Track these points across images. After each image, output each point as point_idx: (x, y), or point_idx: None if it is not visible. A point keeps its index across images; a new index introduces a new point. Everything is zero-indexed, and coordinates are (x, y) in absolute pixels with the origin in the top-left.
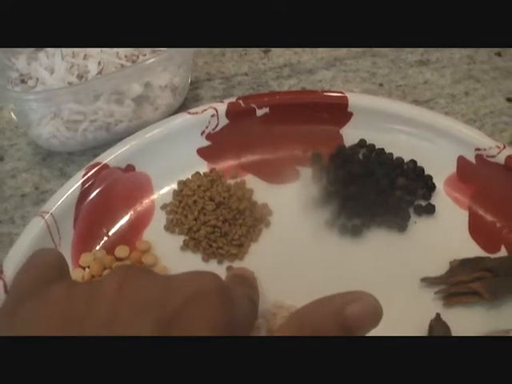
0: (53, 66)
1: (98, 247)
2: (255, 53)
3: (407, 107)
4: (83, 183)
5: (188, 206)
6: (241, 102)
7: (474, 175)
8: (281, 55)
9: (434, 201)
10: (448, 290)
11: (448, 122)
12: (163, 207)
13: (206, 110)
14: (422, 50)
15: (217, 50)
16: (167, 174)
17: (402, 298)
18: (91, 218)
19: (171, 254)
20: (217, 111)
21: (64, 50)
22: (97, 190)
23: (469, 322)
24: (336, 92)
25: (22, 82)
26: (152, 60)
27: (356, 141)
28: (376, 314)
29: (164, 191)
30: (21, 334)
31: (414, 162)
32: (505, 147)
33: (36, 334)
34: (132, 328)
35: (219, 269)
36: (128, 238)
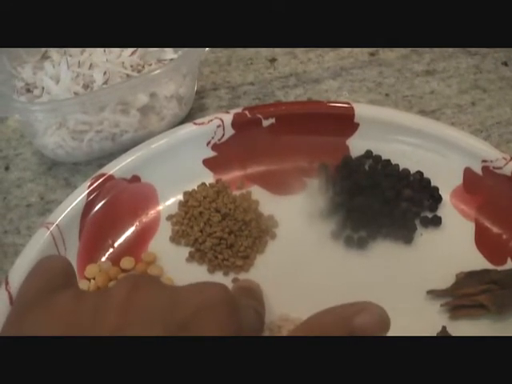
0: (58, 75)
1: (103, 258)
2: (261, 62)
3: (414, 118)
4: (88, 194)
5: (194, 217)
6: (247, 112)
7: (481, 187)
8: (287, 64)
9: (440, 212)
10: (454, 302)
11: (454, 133)
12: (169, 218)
13: (211, 120)
14: (428, 59)
15: (223, 60)
16: (173, 185)
17: (408, 310)
18: (96, 229)
19: (177, 265)
20: (223, 122)
21: (70, 59)
22: (102, 202)
23: (475, 335)
24: (342, 103)
25: (28, 91)
26: (158, 71)
27: (362, 152)
28: (384, 325)
29: (170, 202)
30: None
31: (420, 173)
32: (511, 159)
33: None
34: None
35: (225, 280)
36: (133, 250)
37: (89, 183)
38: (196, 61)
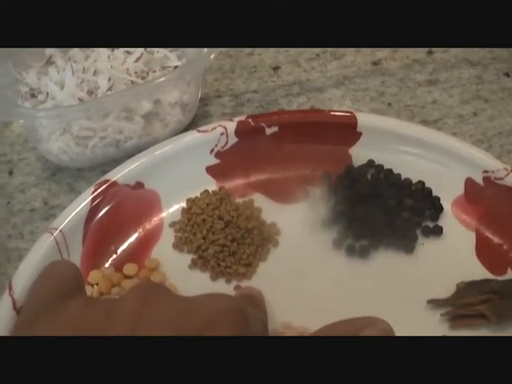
0: (63, 80)
1: (106, 264)
2: (264, 70)
3: (416, 128)
4: (92, 200)
5: (197, 224)
6: (250, 120)
7: (482, 197)
8: (290, 73)
9: (441, 222)
10: (454, 312)
11: (456, 144)
12: (172, 225)
13: (215, 128)
14: (430, 69)
15: (226, 67)
16: (176, 192)
17: (409, 319)
18: (100, 235)
19: (179, 272)
20: (226, 129)
21: (74, 65)
22: (106, 208)
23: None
24: (345, 112)
25: (32, 96)
26: (162, 78)
27: (365, 161)
28: None
29: (173, 209)
30: None
31: (422, 183)
32: None
33: None
34: None
35: (227, 288)
36: (137, 256)
37: (93, 189)
38: (200, 68)
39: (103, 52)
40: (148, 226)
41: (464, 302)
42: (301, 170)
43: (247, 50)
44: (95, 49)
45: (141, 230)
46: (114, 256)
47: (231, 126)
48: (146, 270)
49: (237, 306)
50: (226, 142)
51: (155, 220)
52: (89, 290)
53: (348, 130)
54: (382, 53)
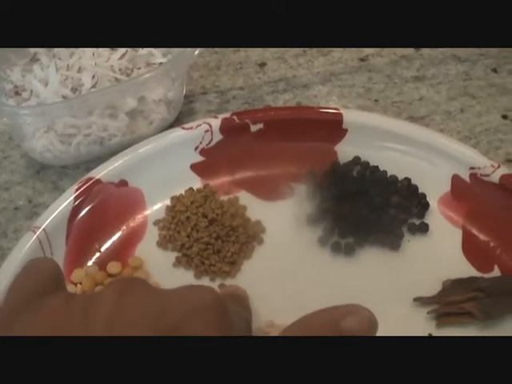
0: (47, 78)
1: (90, 263)
2: (250, 67)
3: (402, 125)
4: (75, 198)
5: (181, 222)
6: (235, 117)
7: (468, 194)
8: (276, 69)
9: (427, 219)
10: (441, 309)
11: (443, 140)
12: (156, 223)
13: (200, 125)
14: (418, 65)
15: (212, 64)
16: (160, 190)
17: (395, 317)
18: (83, 233)
19: (163, 270)
20: (211, 126)
21: (58, 62)
22: (89, 206)
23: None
24: (331, 108)
25: (16, 93)
26: (147, 75)
27: (350, 158)
28: (371, 328)
29: (157, 207)
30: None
31: (408, 179)
32: (499, 166)
33: None
34: None
35: (211, 286)
36: (120, 254)
37: (76, 187)
38: (185, 65)
39: (88, 49)
40: (132, 223)
41: (450, 299)
42: (286, 168)
43: None
44: None
45: (124, 227)
46: (98, 254)
47: (216, 123)
48: (130, 268)
49: (217, 298)
50: (211, 139)
51: (139, 218)
52: (72, 289)
53: (334, 127)
54: (369, 49)
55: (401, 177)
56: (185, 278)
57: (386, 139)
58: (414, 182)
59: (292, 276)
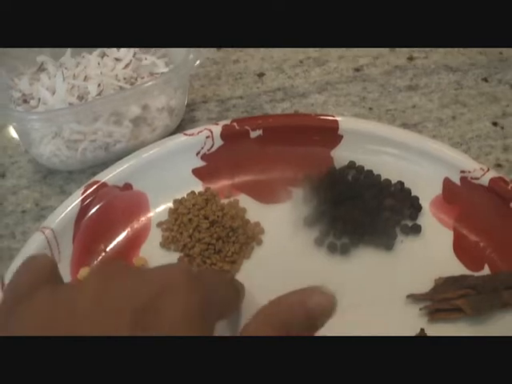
0: (54, 86)
1: (96, 262)
2: (249, 77)
3: (395, 130)
4: (82, 200)
5: (183, 223)
6: (235, 124)
7: (459, 196)
8: (275, 79)
9: (420, 221)
10: (433, 306)
11: (435, 145)
12: (159, 225)
13: (201, 131)
14: (411, 75)
15: (213, 74)
16: (163, 193)
17: (388, 313)
18: (90, 234)
19: None
20: (212, 133)
21: (65, 71)
22: (95, 207)
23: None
24: (327, 115)
25: (25, 101)
26: (150, 83)
27: (346, 163)
28: (334, 304)
29: (160, 209)
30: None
31: (401, 183)
32: (488, 170)
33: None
34: (111, 318)
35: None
36: (125, 254)
37: (82, 190)
38: (186, 74)
39: (93, 59)
40: (136, 225)
41: (442, 296)
42: (284, 172)
43: (233, 57)
44: (85, 56)
45: (129, 229)
46: (103, 254)
47: (217, 129)
48: None
49: (186, 276)
50: (212, 145)
51: (143, 220)
52: None
53: (330, 133)
54: (363, 59)
55: (394, 180)
56: None
57: (380, 145)
58: (407, 185)
59: (289, 275)
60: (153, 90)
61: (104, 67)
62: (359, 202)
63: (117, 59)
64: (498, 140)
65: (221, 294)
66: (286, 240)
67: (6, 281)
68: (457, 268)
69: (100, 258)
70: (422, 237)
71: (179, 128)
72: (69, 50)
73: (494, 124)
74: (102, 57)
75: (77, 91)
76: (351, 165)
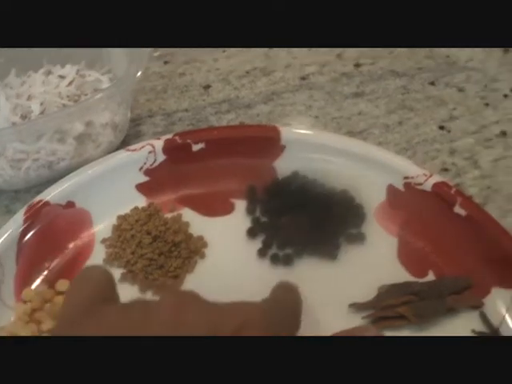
0: None
1: (39, 281)
2: (196, 89)
3: (339, 138)
4: (24, 221)
5: (126, 240)
6: (177, 138)
7: (403, 202)
8: (221, 91)
9: (364, 229)
10: (376, 314)
11: (378, 152)
12: (103, 241)
13: (143, 146)
14: (357, 81)
15: (159, 87)
16: (107, 210)
17: (332, 323)
18: (33, 253)
19: None
20: (154, 147)
21: (8, 91)
22: (38, 227)
23: None
24: (269, 126)
25: None
26: (93, 99)
27: (289, 172)
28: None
29: (104, 226)
30: None
31: (345, 191)
32: (432, 175)
33: None
34: None
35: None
36: (68, 272)
37: (25, 209)
38: (129, 88)
39: (38, 77)
40: (79, 242)
41: (385, 304)
42: (227, 184)
43: (180, 70)
44: (31, 74)
45: (72, 246)
46: (47, 273)
47: (159, 144)
48: None
49: (262, 313)
50: (155, 160)
51: (86, 237)
52: (22, 307)
53: (272, 144)
54: (310, 68)
55: (339, 189)
56: (130, 292)
57: (324, 153)
58: (351, 193)
59: (233, 288)
60: (96, 105)
61: (48, 85)
62: (303, 212)
63: (61, 76)
64: (445, 143)
65: (293, 312)
66: (229, 253)
67: None
68: (401, 275)
69: (44, 276)
70: (367, 245)
71: (124, 143)
72: (13, 69)
73: (441, 128)
74: (48, 75)
75: (20, 110)
76: (295, 174)
